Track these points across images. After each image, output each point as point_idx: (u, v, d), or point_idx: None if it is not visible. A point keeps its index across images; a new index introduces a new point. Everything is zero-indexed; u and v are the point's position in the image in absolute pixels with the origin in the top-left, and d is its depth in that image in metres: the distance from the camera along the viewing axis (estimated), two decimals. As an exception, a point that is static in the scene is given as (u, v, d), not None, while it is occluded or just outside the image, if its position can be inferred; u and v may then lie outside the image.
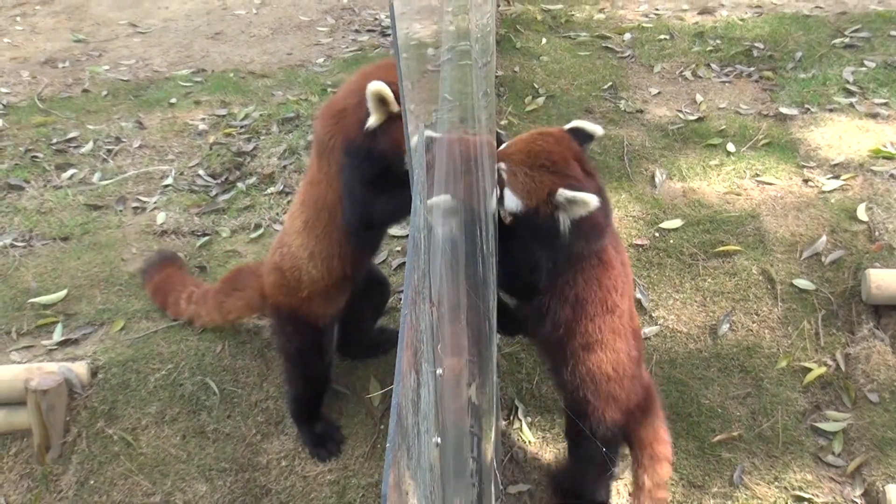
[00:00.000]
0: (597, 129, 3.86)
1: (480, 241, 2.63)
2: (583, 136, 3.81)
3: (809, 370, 4.88)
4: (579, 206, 3.51)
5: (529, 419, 4.77)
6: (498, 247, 3.75)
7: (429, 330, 1.51)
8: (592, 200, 3.50)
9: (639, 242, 5.48)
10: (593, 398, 3.87)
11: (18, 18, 9.18)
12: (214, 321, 4.81)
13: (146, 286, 5.13)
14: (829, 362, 4.92)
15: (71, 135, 6.86)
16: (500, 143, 3.88)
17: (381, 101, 3.54)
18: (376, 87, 3.52)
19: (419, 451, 1.38)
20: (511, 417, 4.80)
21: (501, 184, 3.65)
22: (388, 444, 1.10)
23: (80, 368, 4.68)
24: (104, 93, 7.57)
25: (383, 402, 4.68)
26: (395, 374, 1.17)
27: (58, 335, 4.95)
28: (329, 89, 7.38)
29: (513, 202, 3.64)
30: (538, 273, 3.72)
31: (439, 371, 1.64)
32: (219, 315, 4.76)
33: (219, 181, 6.25)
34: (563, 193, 3.52)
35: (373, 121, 3.59)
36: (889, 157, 6.01)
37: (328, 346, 4.58)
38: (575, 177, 3.60)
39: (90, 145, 6.70)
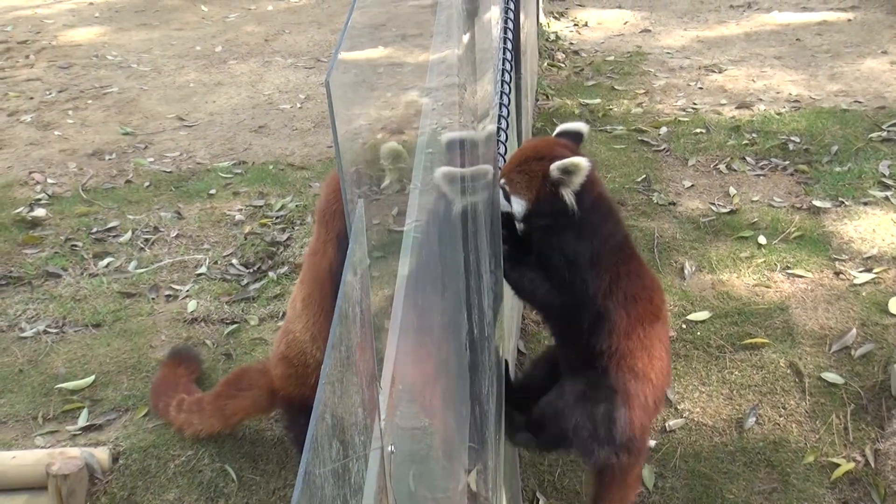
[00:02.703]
0: (581, 126, 3.95)
1: (472, 325, 2.64)
2: (572, 137, 3.88)
3: (837, 466, 4.78)
4: (574, 174, 3.53)
5: (551, 512, 4.71)
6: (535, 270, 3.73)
7: (369, 406, 1.52)
8: (582, 161, 3.53)
9: (665, 334, 5.45)
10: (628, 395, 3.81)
11: (70, 112, 9.43)
12: (212, 427, 4.70)
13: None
14: (858, 458, 4.82)
15: (111, 224, 7.00)
16: None
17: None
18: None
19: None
20: (532, 510, 4.75)
21: (507, 196, 3.68)
22: (289, 513, 1.10)
23: (102, 454, 4.71)
24: (146, 184, 7.72)
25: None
26: (306, 443, 1.18)
27: (83, 420, 5.00)
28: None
29: (519, 205, 3.66)
30: (580, 270, 3.66)
31: (390, 448, 1.64)
32: (219, 419, 4.65)
33: (251, 270, 6.33)
34: (554, 166, 3.54)
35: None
36: (923, 251, 5.96)
37: None
38: (563, 154, 3.62)
39: (129, 234, 6.83)
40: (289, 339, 4.28)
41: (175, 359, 5.18)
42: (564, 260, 3.66)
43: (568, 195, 3.57)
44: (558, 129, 4.01)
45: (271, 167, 7.92)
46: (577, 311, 3.74)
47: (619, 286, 3.71)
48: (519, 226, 3.82)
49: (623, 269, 3.75)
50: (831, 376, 5.14)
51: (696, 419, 5.06)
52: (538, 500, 4.77)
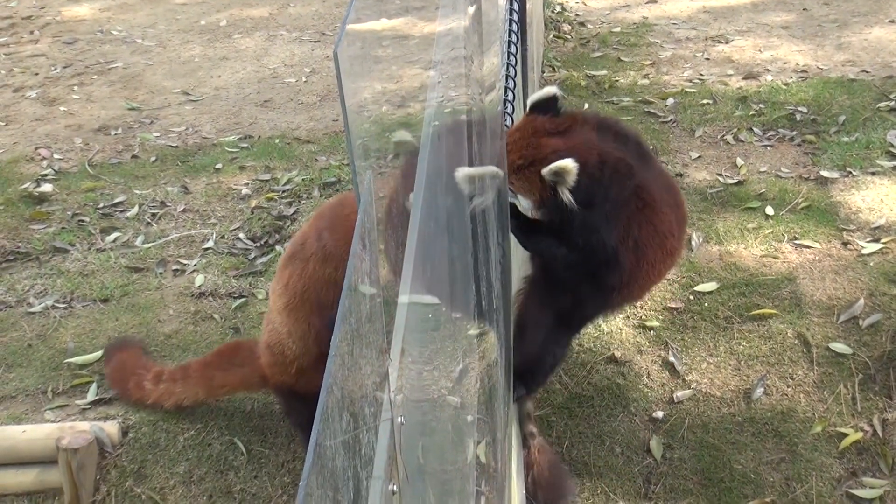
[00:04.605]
0: (550, 90, 3.85)
1: (480, 296, 2.64)
2: (547, 106, 3.80)
3: (845, 435, 4.79)
4: (565, 174, 3.53)
5: (559, 483, 4.72)
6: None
7: (378, 377, 1.52)
8: (568, 164, 3.51)
9: (673, 305, 5.45)
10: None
11: (76, 87, 9.41)
12: (195, 397, 4.71)
13: (106, 377, 5.07)
14: (866, 427, 4.83)
15: (118, 199, 7.00)
16: None
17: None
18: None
19: (357, 496, 1.39)
20: (540, 481, 4.76)
21: (514, 194, 3.72)
22: (301, 483, 1.10)
23: (111, 428, 4.74)
24: (153, 159, 7.72)
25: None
26: (317, 416, 1.18)
27: (92, 395, 5.02)
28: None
29: (526, 202, 3.73)
30: (595, 231, 3.72)
31: (400, 420, 1.64)
32: (205, 389, 4.67)
33: (258, 244, 6.34)
34: (545, 172, 3.56)
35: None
36: (931, 220, 5.94)
37: None
38: (549, 154, 3.61)
39: (135, 209, 6.83)
40: (270, 329, 4.28)
41: (115, 349, 5.11)
42: (577, 229, 3.68)
43: (565, 194, 3.57)
44: (529, 102, 3.89)
45: (277, 141, 7.91)
46: (591, 259, 3.82)
47: (630, 234, 3.76)
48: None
49: (634, 218, 3.77)
50: (839, 346, 5.14)
51: (703, 390, 5.07)
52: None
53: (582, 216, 3.65)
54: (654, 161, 4.05)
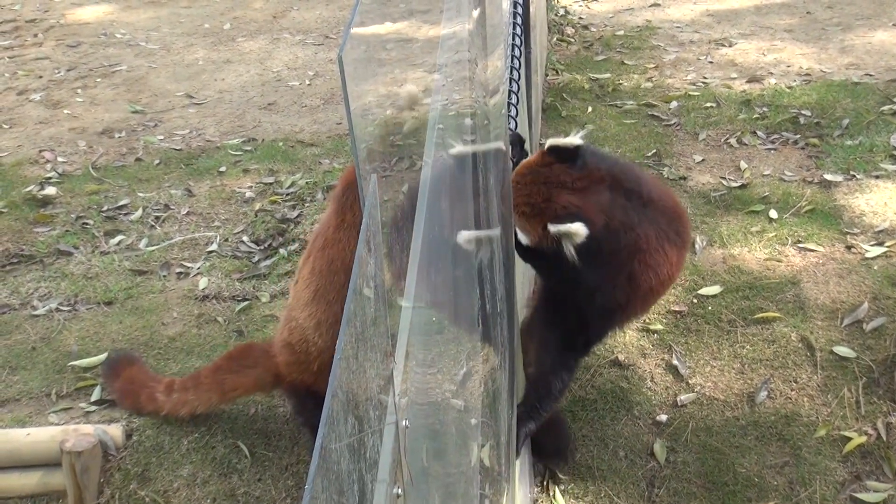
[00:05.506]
0: (574, 141, 3.66)
1: (484, 300, 2.64)
2: (567, 154, 3.65)
3: (849, 439, 4.79)
4: (573, 236, 3.48)
5: (562, 486, 4.72)
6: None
7: (383, 380, 1.52)
8: (578, 229, 3.46)
9: (677, 309, 5.45)
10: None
11: (80, 91, 9.43)
12: (209, 402, 4.66)
13: (112, 393, 5.00)
14: (870, 431, 4.83)
15: (122, 202, 7.01)
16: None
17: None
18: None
19: (362, 499, 1.39)
20: (544, 484, 4.76)
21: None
22: (306, 486, 1.11)
23: (115, 430, 4.74)
24: (156, 161, 7.73)
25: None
26: (322, 418, 1.18)
27: (96, 397, 5.02)
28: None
29: (524, 238, 3.67)
30: (589, 274, 3.69)
31: (405, 423, 1.64)
32: (217, 394, 4.62)
33: (262, 247, 6.34)
34: (552, 230, 3.50)
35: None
36: (935, 224, 5.93)
37: None
38: (559, 210, 3.54)
39: (139, 212, 6.84)
40: (291, 326, 4.24)
41: (121, 364, 5.03)
42: (567, 265, 3.66)
43: (569, 250, 3.53)
44: (548, 144, 3.71)
45: (281, 144, 7.92)
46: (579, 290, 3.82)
47: (622, 271, 3.74)
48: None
49: (628, 260, 3.74)
50: (843, 350, 5.13)
51: (707, 394, 5.06)
52: (546, 473, 4.79)
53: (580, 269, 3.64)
54: (658, 203, 3.84)
